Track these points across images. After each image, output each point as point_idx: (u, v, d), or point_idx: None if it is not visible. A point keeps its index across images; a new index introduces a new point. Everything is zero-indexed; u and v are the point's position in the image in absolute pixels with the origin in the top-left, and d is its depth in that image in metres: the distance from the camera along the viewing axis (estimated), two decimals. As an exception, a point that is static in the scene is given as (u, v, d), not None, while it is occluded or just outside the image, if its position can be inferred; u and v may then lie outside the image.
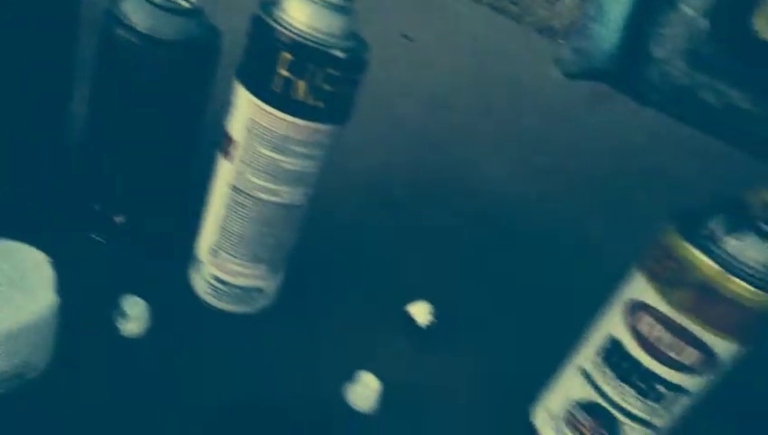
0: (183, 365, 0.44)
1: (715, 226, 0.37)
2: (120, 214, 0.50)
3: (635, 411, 0.40)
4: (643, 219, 0.65)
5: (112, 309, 0.44)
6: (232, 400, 0.43)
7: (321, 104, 0.40)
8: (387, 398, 0.48)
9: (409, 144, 0.94)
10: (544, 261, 0.76)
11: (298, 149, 0.42)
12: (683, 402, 0.39)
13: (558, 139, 1.15)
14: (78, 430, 0.37)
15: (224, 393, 0.43)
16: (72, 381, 0.39)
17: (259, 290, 0.49)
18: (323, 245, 0.64)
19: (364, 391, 0.47)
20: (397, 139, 0.94)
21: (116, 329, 0.43)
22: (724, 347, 0.37)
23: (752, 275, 0.36)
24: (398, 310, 0.58)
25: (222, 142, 0.44)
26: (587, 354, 0.43)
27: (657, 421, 0.40)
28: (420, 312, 0.57)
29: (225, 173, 0.44)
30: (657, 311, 0.38)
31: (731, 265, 0.36)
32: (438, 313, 0.58)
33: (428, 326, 0.57)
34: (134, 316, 0.44)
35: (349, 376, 0.48)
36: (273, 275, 0.49)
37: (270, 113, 0.40)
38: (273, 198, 0.43)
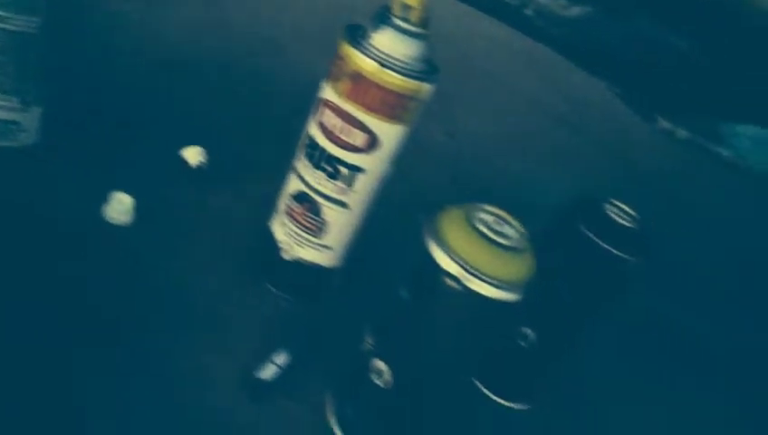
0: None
1: (368, 28, 0.45)
2: None
3: (328, 192, 0.49)
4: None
5: None
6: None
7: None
8: (145, 218, 0.55)
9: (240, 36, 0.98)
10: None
11: (15, -26, 0.46)
12: (364, 180, 0.49)
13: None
14: None
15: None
16: None
17: (15, 123, 0.53)
18: (112, 96, 0.68)
19: (118, 205, 0.53)
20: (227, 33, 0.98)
21: None
22: (383, 129, 0.46)
23: (395, 65, 0.45)
24: (174, 154, 0.64)
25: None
26: (298, 156, 0.51)
27: (346, 199, 0.49)
28: (192, 154, 0.64)
29: (-46, 4, 0.47)
30: (332, 103, 0.47)
31: (379, 57, 0.44)
32: (213, 158, 0.65)
33: (199, 167, 0.64)
34: None
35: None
36: (26, 107, 0.53)
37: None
38: (2, 25, 0.47)
